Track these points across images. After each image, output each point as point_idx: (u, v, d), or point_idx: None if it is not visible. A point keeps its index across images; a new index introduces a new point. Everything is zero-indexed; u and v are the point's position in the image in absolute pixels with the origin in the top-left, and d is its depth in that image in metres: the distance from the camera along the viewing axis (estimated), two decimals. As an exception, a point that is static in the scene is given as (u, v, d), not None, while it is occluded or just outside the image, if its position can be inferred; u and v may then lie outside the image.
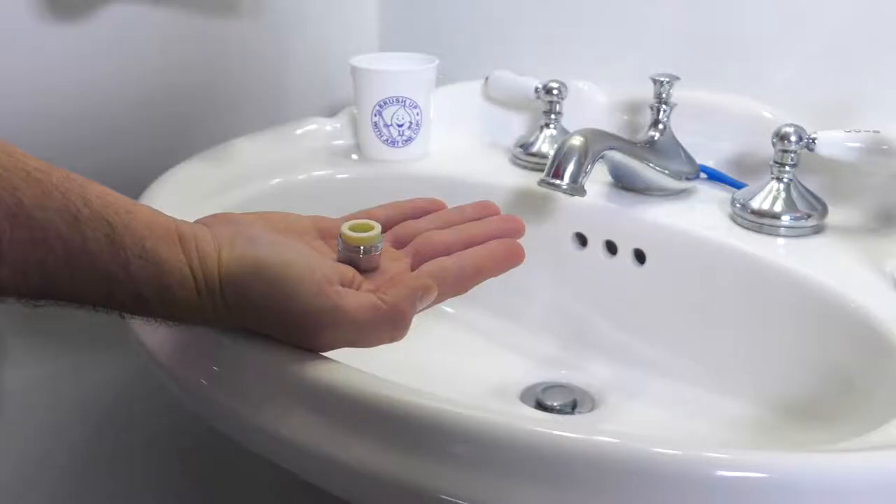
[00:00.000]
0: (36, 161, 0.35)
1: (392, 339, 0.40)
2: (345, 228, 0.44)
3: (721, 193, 0.65)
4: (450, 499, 0.34)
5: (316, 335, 0.39)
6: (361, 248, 0.43)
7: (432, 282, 0.42)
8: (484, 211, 0.50)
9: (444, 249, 0.46)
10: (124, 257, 0.36)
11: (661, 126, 0.64)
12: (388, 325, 0.40)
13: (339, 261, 0.43)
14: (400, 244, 0.47)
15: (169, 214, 0.40)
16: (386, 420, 0.36)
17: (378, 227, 0.44)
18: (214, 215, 0.44)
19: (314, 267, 0.39)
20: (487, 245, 0.46)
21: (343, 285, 0.40)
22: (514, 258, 0.46)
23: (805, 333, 0.53)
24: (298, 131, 0.73)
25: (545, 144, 0.71)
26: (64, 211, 0.35)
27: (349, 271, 0.42)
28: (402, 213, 0.50)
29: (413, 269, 0.44)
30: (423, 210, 0.50)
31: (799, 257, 0.56)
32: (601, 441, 0.34)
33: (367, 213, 0.49)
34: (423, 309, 0.42)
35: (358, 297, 0.39)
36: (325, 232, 0.46)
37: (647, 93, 0.65)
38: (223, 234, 0.40)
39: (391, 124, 0.71)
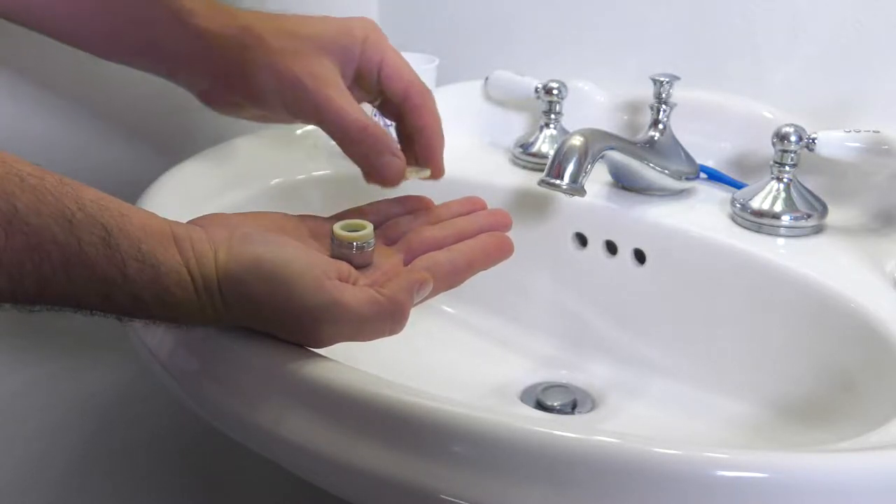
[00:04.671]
0: (29, 166, 0.35)
1: (391, 333, 0.41)
2: (337, 227, 0.45)
3: (721, 193, 0.65)
4: (450, 499, 0.34)
5: (316, 330, 0.39)
6: (355, 244, 0.44)
7: (428, 275, 0.43)
8: (471, 206, 0.51)
9: (434, 244, 0.47)
10: (121, 260, 0.36)
11: (661, 126, 0.64)
12: (387, 318, 0.40)
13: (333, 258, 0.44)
14: (390, 241, 0.48)
15: (165, 216, 0.40)
16: (386, 420, 0.36)
17: (370, 225, 0.45)
18: (207, 216, 0.44)
19: (312, 263, 0.39)
20: (478, 238, 0.47)
21: (340, 281, 0.40)
22: (504, 251, 0.47)
23: (805, 333, 0.53)
24: (298, 131, 0.73)
25: (545, 144, 0.71)
26: (59, 215, 0.35)
27: (345, 267, 0.42)
28: (390, 210, 0.51)
29: (406, 265, 0.45)
30: (411, 207, 0.51)
31: (799, 257, 0.56)
32: (601, 441, 0.34)
33: (356, 212, 0.50)
34: (419, 302, 0.43)
35: (357, 292, 0.40)
36: (316, 231, 0.47)
37: (647, 93, 0.65)
38: (219, 234, 0.40)
39: (391, 124, 0.71)
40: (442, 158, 0.52)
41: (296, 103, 0.50)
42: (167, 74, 0.54)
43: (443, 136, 0.52)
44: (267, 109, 0.52)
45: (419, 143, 0.52)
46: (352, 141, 0.49)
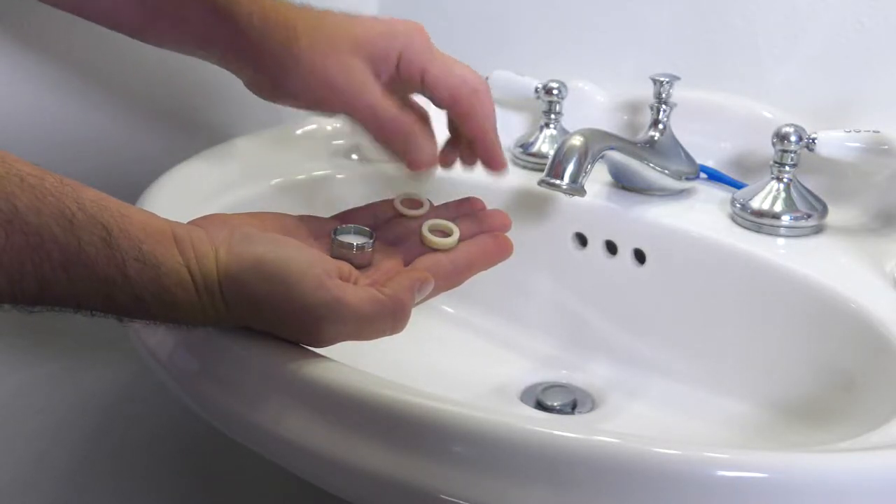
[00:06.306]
0: (29, 166, 0.35)
1: (392, 332, 0.41)
2: (337, 227, 0.45)
3: (721, 193, 0.65)
4: (450, 499, 0.34)
5: (318, 330, 0.39)
6: (355, 244, 0.44)
7: (429, 274, 0.43)
8: (470, 206, 0.51)
9: None
10: (121, 260, 0.36)
11: (661, 126, 0.64)
12: (388, 317, 0.40)
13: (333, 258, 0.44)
14: (390, 241, 0.48)
15: (165, 216, 0.40)
16: (386, 420, 0.36)
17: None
18: (207, 216, 0.44)
19: (313, 262, 0.39)
20: (477, 239, 0.48)
21: (341, 280, 0.40)
22: (503, 251, 0.48)
23: (805, 333, 0.53)
24: (298, 131, 0.73)
25: (545, 144, 0.71)
26: (59, 216, 0.35)
27: (345, 266, 0.42)
28: (390, 210, 0.51)
29: (406, 265, 0.46)
30: (411, 207, 0.51)
31: (799, 257, 0.56)
32: (601, 441, 0.34)
33: (356, 212, 0.50)
34: (420, 302, 0.43)
35: (358, 291, 0.40)
36: (316, 231, 0.47)
37: (647, 93, 0.65)
38: (219, 234, 0.40)
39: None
40: (499, 155, 0.52)
41: (328, 101, 0.50)
42: (216, 61, 0.55)
43: (496, 134, 0.52)
44: (304, 105, 0.53)
45: (475, 147, 0.52)
46: (386, 137, 0.50)
